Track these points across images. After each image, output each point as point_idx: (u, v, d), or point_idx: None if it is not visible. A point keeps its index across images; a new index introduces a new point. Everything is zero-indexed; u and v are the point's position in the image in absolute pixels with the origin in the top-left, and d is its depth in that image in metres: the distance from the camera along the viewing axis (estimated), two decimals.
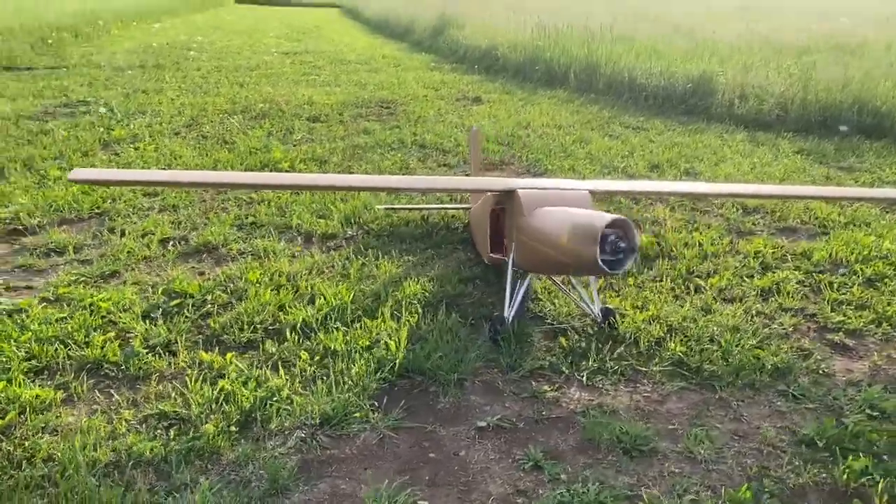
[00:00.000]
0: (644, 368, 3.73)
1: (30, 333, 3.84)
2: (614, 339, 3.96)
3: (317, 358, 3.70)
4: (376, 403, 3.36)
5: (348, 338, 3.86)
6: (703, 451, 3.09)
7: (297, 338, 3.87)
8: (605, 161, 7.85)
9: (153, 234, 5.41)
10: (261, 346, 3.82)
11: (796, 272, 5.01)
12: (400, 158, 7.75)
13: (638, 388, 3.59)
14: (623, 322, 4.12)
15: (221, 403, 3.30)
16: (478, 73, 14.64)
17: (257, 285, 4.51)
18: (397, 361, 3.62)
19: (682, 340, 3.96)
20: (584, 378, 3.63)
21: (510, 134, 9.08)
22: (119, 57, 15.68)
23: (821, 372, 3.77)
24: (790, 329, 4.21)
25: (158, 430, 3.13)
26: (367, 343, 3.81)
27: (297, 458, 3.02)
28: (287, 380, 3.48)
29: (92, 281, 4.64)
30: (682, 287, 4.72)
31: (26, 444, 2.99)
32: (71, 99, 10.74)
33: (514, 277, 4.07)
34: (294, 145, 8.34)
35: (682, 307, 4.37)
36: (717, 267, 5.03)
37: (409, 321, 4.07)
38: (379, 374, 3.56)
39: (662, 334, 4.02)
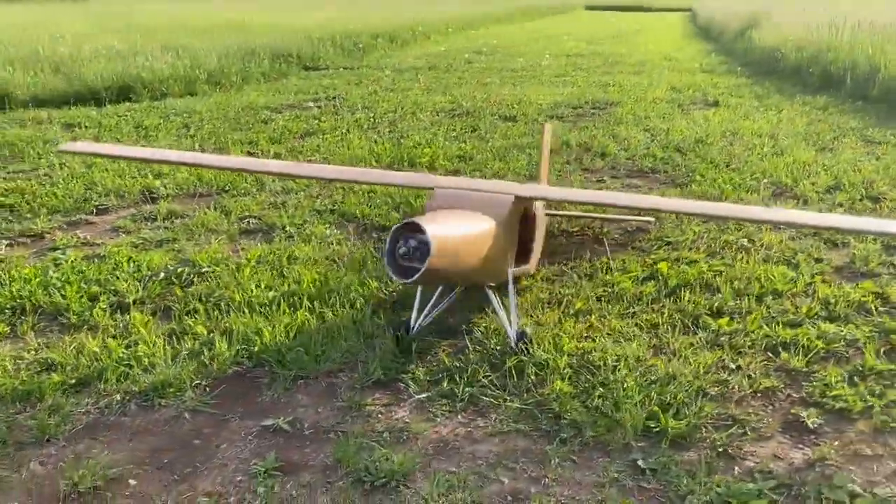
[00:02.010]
0: (499, 402, 3.23)
1: (41, 279, 4.54)
2: (496, 364, 3.47)
3: (212, 335, 3.83)
4: (205, 384, 3.41)
5: (253, 321, 3.92)
6: (440, 501, 2.62)
7: (214, 313, 4.04)
8: (775, 177, 6.69)
9: (237, 211, 5.95)
10: (178, 316, 4.07)
11: (863, 328, 3.85)
12: (535, 161, 7.43)
13: (473, 422, 3.14)
14: (540, 347, 3.59)
15: (89, 359, 3.60)
16: (748, 76, 13.25)
17: (249, 263, 4.76)
18: (255, 350, 3.62)
19: (578, 380, 3.34)
20: (424, 398, 3.27)
21: (700, 140, 8.17)
22: (409, 60, 17.09)
23: (722, 450, 2.91)
24: (748, 393, 3.29)
25: (25, 371, 3.54)
26: (260, 327, 3.84)
27: (94, 417, 3.22)
28: (160, 349, 3.66)
29: (146, 245, 5.29)
30: (681, 324, 3.93)
31: None
32: (328, 94, 12.03)
33: None
34: (463, 142, 8.42)
35: (634, 344, 3.65)
36: (757, 308, 4.08)
37: (327, 314, 4.00)
38: (236, 357, 3.59)
39: (564, 368, 3.42)
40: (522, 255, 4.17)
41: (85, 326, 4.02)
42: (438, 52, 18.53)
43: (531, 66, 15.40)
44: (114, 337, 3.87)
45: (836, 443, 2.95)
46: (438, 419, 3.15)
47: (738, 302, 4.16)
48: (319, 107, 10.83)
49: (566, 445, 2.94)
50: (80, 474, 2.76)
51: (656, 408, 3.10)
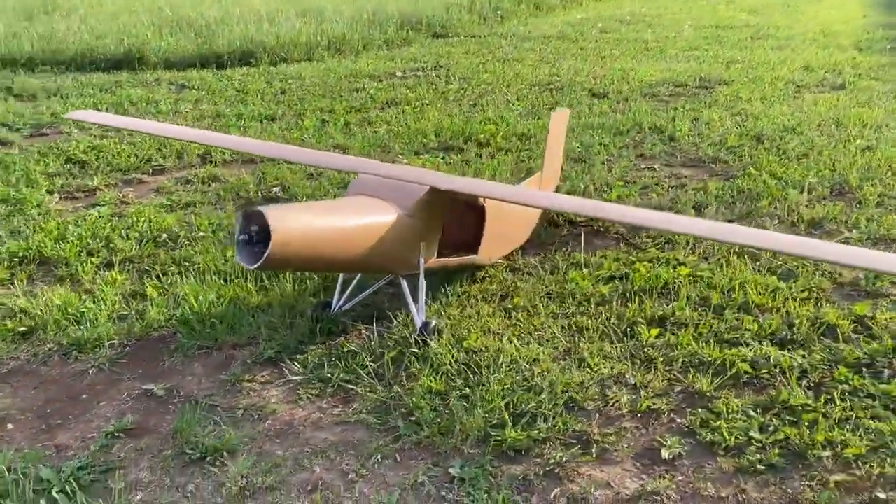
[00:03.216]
0: (363, 393, 3.26)
1: (58, 232, 5.05)
2: (382, 353, 3.48)
3: (157, 298, 4.12)
4: (125, 344, 3.69)
5: (198, 289, 4.16)
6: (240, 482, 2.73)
7: (176, 278, 4.33)
8: (843, 175, 6.06)
9: (271, 179, 6.25)
10: (146, 276, 4.40)
11: (815, 356, 3.49)
12: (591, 143, 7.16)
13: (332, 409, 3.21)
14: (439, 341, 3.57)
15: (45, 310, 3.99)
16: None
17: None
18: (176, 315, 3.86)
19: (457, 378, 3.29)
20: (299, 381, 3.36)
21: (790, 128, 7.51)
22: (543, 28, 16.76)
23: (552, 469, 2.79)
24: (626, 412, 3.11)
25: None
26: (203, 295, 4.07)
27: (20, 364, 3.61)
28: (105, 308, 4.00)
29: (173, 207, 5.70)
30: (610, 330, 3.74)
31: None
32: (438, 63, 12.12)
33: None
34: (536, 119, 8.26)
35: (540, 347, 3.53)
36: (703, 322, 3.80)
37: (272, 288, 4.17)
38: (168, 322, 3.85)
39: (449, 364, 3.38)
40: (471, 245, 4.10)
41: (69, 280, 4.44)
42: (577, 20, 18.00)
43: (664, 38, 14.61)
44: (86, 292, 4.25)
45: (681, 478, 2.73)
46: (302, 402, 3.23)
47: (689, 312, 3.86)
48: (417, 76, 10.94)
49: (397, 442, 2.94)
50: None
51: (507, 415, 3.00)
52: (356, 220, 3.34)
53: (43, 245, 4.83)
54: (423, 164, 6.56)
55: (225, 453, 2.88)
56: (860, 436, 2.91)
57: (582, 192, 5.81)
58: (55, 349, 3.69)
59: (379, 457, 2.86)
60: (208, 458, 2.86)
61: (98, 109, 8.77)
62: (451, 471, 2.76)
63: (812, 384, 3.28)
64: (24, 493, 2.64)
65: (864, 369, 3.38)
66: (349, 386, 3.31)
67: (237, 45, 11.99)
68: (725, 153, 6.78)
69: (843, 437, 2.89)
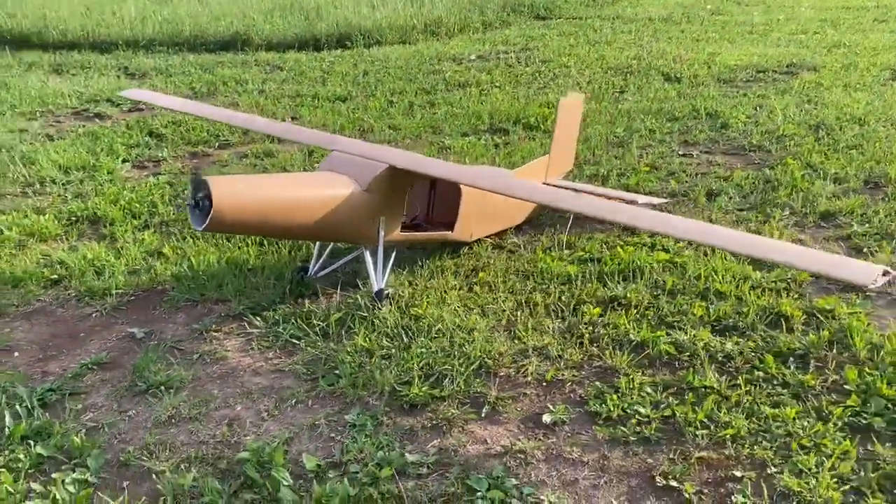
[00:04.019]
0: (305, 347, 3.63)
1: (113, 196, 5.72)
2: (329, 316, 3.83)
3: (172, 255, 4.67)
4: (130, 293, 4.26)
5: (202, 250, 4.67)
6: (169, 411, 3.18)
7: (191, 240, 4.87)
8: (880, 171, 5.83)
9: (318, 155, 6.73)
10: (170, 238, 4.96)
11: (749, 343, 3.56)
12: (638, 128, 7.17)
13: (275, 359, 3.59)
14: (390, 309, 3.88)
15: (76, 262, 4.62)
16: None
17: None
18: (178, 272, 4.37)
19: (390, 340, 3.60)
20: (256, 334, 3.78)
21: (856, 118, 7.22)
22: (652, 10, 16.42)
23: (439, 423, 3.07)
24: (533, 380, 3.32)
25: (33, 264, 4.66)
26: (206, 256, 4.58)
27: (43, 305, 4.23)
28: (124, 263, 4.58)
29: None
30: (557, 307, 3.93)
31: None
32: (527, 46, 12.26)
33: None
34: (598, 101, 8.33)
35: (480, 318, 3.78)
36: (653, 303, 3.92)
37: (268, 252, 4.63)
38: (171, 277, 4.39)
39: (391, 328, 3.69)
40: (452, 222, 4.35)
41: (109, 237, 5.07)
42: (690, 2, 17.46)
43: (773, 21, 14.00)
44: (118, 249, 4.85)
45: (553, 440, 2.93)
46: (253, 352, 3.64)
47: (642, 295, 3.97)
48: (498, 58, 11.13)
49: (314, 390, 3.29)
50: None
51: (417, 374, 3.28)
52: (305, 192, 3.68)
53: (98, 207, 5.50)
54: (461, 145, 6.81)
55: (164, 387, 3.32)
56: (746, 419, 2.97)
57: (603, 177, 5.90)
58: (74, 295, 4.28)
59: (293, 401, 3.22)
60: (151, 391, 3.32)
61: (193, 88, 9.58)
62: (347, 417, 3.08)
63: (732, 369, 3.34)
64: None
65: (794, 359, 3.39)
66: (295, 341, 3.68)
67: (335, 27, 12.57)
68: (772, 142, 6.62)
69: (726, 419, 2.97)
